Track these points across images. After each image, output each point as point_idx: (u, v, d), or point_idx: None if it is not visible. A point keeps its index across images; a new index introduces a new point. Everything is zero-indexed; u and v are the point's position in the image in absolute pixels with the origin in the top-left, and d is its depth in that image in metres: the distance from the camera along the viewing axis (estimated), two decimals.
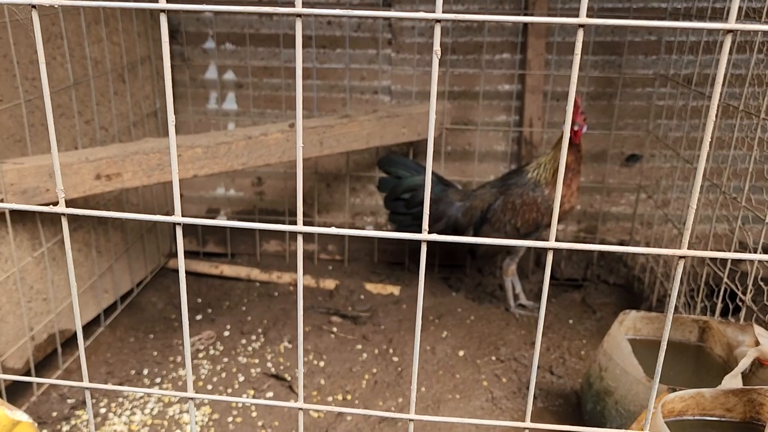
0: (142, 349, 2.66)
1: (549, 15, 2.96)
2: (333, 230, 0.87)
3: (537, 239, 2.72)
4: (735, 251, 2.30)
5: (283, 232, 3.32)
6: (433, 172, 2.82)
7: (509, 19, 0.75)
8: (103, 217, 2.48)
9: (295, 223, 3.35)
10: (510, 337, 2.61)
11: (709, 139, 0.77)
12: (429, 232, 2.66)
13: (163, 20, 0.76)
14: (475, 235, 2.74)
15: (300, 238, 0.88)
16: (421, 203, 2.75)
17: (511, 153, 3.19)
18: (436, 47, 0.74)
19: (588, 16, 2.95)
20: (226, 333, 2.76)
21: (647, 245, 3.00)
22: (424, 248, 0.88)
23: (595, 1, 2.96)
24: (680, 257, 0.82)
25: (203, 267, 3.24)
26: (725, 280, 2.13)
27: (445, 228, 2.75)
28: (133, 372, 2.49)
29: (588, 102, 3.07)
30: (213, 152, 2.36)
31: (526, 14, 2.96)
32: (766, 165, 2.13)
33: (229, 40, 3.21)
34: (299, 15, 0.74)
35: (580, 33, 0.74)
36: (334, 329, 2.71)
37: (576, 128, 2.49)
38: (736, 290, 2.10)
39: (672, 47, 2.85)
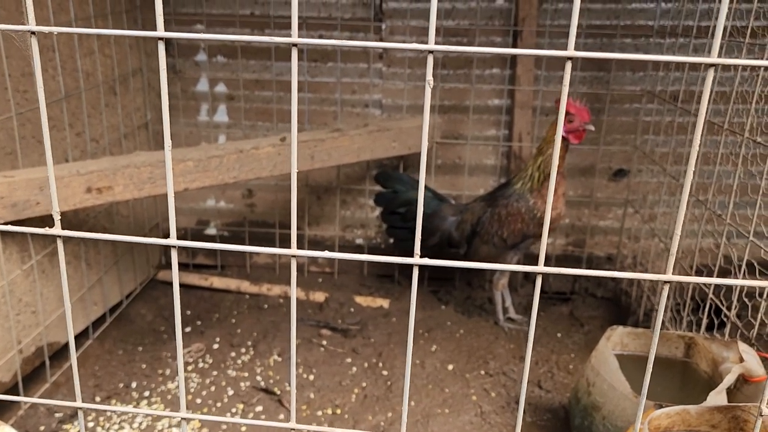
0: (130, 362, 2.65)
1: (538, 31, 3.00)
2: (327, 254, 0.88)
3: (525, 249, 2.74)
4: (720, 267, 2.33)
5: (273, 242, 3.32)
6: (426, 187, 2.85)
7: (501, 51, 0.77)
8: (94, 232, 2.48)
9: (288, 235, 3.39)
10: (499, 350, 2.63)
11: (693, 169, 0.79)
12: (423, 247, 2.72)
13: (161, 48, 0.77)
14: (468, 248, 2.76)
15: (293, 263, 0.90)
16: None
17: (501, 167, 3.21)
18: (429, 77, 0.76)
19: (577, 34, 2.99)
20: (216, 345, 2.75)
21: (634, 259, 3.04)
22: (415, 273, 0.89)
23: (582, 18, 3.00)
24: (665, 282, 0.84)
25: (193, 279, 3.23)
26: (710, 296, 2.16)
27: (440, 242, 2.78)
28: (121, 385, 2.48)
29: None
30: (204, 166, 2.37)
31: (515, 30, 2.99)
32: (750, 181, 2.16)
33: (221, 52, 3.22)
34: (295, 44, 0.76)
35: (568, 66, 0.76)
36: (324, 342, 2.72)
37: (580, 127, 2.48)
38: (721, 306, 2.13)
39: (659, 64, 2.90)
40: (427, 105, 0.80)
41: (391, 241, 3.01)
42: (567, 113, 2.50)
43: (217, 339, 2.80)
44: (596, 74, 3.07)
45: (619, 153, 3.14)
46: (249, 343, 2.77)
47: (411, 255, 2.97)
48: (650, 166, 2.91)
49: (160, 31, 0.77)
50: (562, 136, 2.52)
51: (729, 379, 1.60)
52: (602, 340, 1.98)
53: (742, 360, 1.69)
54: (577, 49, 3.02)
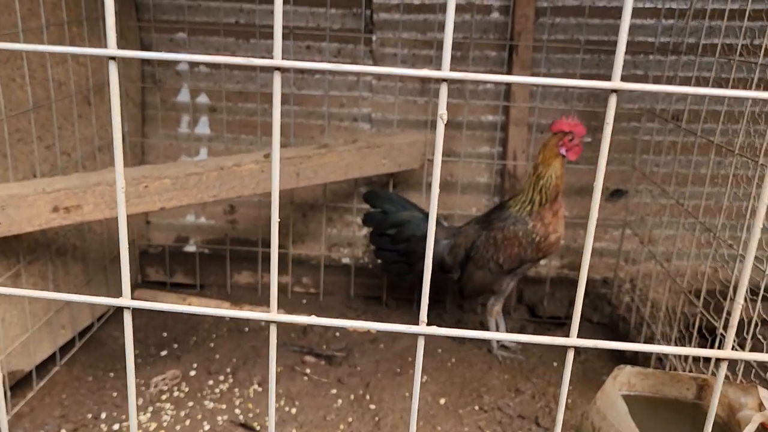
0: (100, 390, 2.48)
1: (534, 46, 2.88)
2: (305, 319, 0.74)
3: (522, 274, 2.61)
4: (719, 290, 2.22)
5: (255, 261, 3.17)
6: (418, 208, 2.70)
7: (520, 80, 0.64)
8: (64, 251, 2.30)
9: (269, 253, 3.22)
10: (493, 382, 2.49)
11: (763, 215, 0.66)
12: (413, 271, 2.50)
13: (113, 70, 0.63)
14: (461, 273, 2.62)
15: (273, 329, 0.76)
16: (407, 239, 2.63)
17: (494, 185, 3.09)
18: (442, 111, 0.63)
19: (575, 50, 2.88)
20: (192, 372, 2.59)
21: (632, 283, 2.92)
22: (421, 343, 0.75)
23: (580, 33, 2.89)
24: (722, 359, 0.70)
25: (170, 299, 3.07)
26: (720, 330, 2.04)
27: (432, 266, 2.64)
28: (89, 416, 2.31)
29: None
30: (182, 183, 2.22)
31: (511, 44, 2.87)
32: (744, 202, 2.05)
33: (203, 62, 3.07)
34: (278, 68, 0.62)
35: (613, 99, 0.63)
36: (307, 371, 2.56)
37: (574, 141, 2.37)
38: (713, 321, 2.01)
39: (660, 82, 2.79)
40: (439, 140, 0.66)
41: (379, 262, 2.86)
42: (565, 132, 2.39)
43: (195, 365, 2.64)
44: (593, 91, 2.96)
45: (616, 173, 3.02)
46: (228, 369, 2.61)
47: (399, 278, 2.80)
48: (649, 186, 2.80)
49: (112, 49, 0.63)
50: (561, 154, 2.40)
51: (750, 429, 1.48)
52: (609, 381, 1.85)
53: (761, 407, 1.56)
54: (574, 64, 2.91)
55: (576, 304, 0.76)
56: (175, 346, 2.84)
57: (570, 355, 0.77)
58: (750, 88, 2.06)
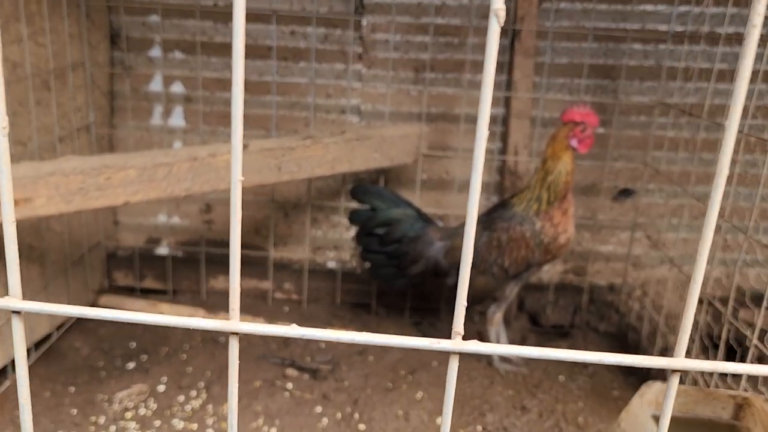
0: (58, 406, 2.22)
1: (538, 33, 2.66)
2: (274, 329, 0.52)
3: (527, 279, 2.37)
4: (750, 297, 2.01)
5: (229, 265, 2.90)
6: (411, 205, 2.46)
7: None
8: (19, 249, 2.03)
9: (250, 258, 2.95)
10: (496, 398, 2.25)
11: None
12: (404, 275, 2.16)
13: None
14: (458, 278, 2.38)
15: (234, 342, 0.52)
16: (398, 240, 2.38)
17: (494, 184, 2.86)
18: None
19: (581, 37, 2.67)
20: (161, 387, 2.34)
21: (642, 288, 2.70)
22: (454, 364, 0.51)
23: (590, 20, 2.68)
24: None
25: (139, 306, 2.80)
26: (754, 341, 1.81)
27: (424, 271, 2.39)
28: None
29: None
30: (150, 175, 1.96)
31: (513, 29, 2.65)
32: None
33: (179, 47, 2.82)
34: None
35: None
36: (289, 385, 2.31)
37: (586, 132, 2.15)
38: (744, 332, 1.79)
39: (675, 73, 2.58)
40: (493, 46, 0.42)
41: (367, 266, 2.60)
42: (577, 123, 2.17)
43: (164, 378, 2.38)
44: (601, 82, 2.75)
45: (624, 170, 2.81)
46: (201, 384, 2.36)
47: (389, 284, 2.47)
48: (663, 185, 2.59)
49: None
50: (572, 147, 2.18)
51: None
52: (635, 399, 1.62)
53: None
54: (581, 53, 2.70)
55: (684, 322, 0.53)
56: (144, 357, 2.58)
57: (674, 381, 0.54)
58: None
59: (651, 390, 1.64)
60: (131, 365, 2.52)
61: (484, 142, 0.55)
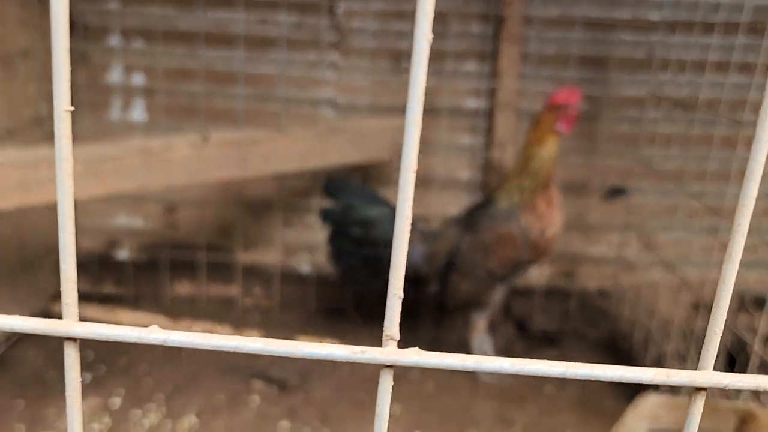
0: (4, 422, 2.05)
1: (524, 21, 2.50)
2: (118, 331, 0.35)
3: (513, 282, 2.20)
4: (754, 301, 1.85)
5: (194, 269, 2.71)
6: (389, 204, 2.27)
7: None
8: None
9: (218, 264, 2.73)
10: (479, 411, 2.07)
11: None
12: (379, 283, 1.90)
13: None
14: (442, 286, 2.19)
15: (71, 350, 0.36)
16: (377, 242, 2.18)
17: (478, 181, 2.69)
18: None
19: (570, 26, 2.52)
20: (117, 400, 2.15)
21: (634, 293, 2.54)
22: (386, 379, 0.35)
23: (575, 8, 2.52)
24: None
25: (96, 313, 2.60)
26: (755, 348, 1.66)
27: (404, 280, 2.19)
28: None
29: None
30: (95, 169, 1.77)
31: (498, 15, 2.49)
32: None
33: (139, 36, 2.63)
34: None
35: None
36: (255, 399, 2.12)
37: (569, 111, 2.00)
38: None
39: (667, 64, 2.43)
40: None
41: (339, 269, 2.36)
42: (560, 106, 2.01)
43: (121, 392, 2.19)
44: (591, 74, 2.59)
45: (616, 168, 2.65)
46: (161, 397, 2.17)
47: (364, 291, 2.22)
48: (656, 183, 2.44)
49: None
50: (558, 131, 2.02)
51: None
52: (629, 413, 1.46)
53: None
54: (568, 44, 2.54)
55: (711, 327, 0.36)
56: (102, 368, 2.39)
57: (699, 403, 0.36)
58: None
59: (647, 403, 1.48)
60: (87, 377, 2.33)
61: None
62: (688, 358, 2.06)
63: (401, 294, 0.44)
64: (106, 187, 1.79)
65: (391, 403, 1.82)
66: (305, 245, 2.83)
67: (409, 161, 0.42)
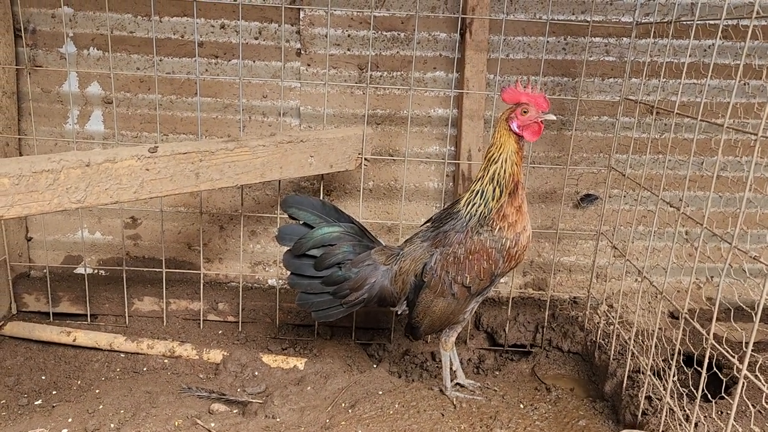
0: None
1: (491, 24, 2.43)
2: None
3: (486, 295, 2.09)
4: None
5: (160, 284, 2.60)
6: (352, 222, 2.10)
7: None
8: None
9: (180, 276, 2.47)
10: None
11: None
12: (345, 305, 1.79)
13: None
14: (411, 305, 2.06)
15: None
16: (337, 264, 2.03)
17: (446, 191, 2.61)
18: None
19: (536, 30, 2.44)
20: (65, 430, 2.02)
21: (608, 302, 2.47)
22: None
23: (543, 11, 2.45)
24: None
25: (51, 333, 2.48)
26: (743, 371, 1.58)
27: (367, 298, 2.06)
28: None
29: None
30: (29, 184, 1.67)
31: (463, 19, 2.41)
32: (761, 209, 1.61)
33: (95, 43, 2.53)
34: None
35: None
36: (212, 424, 2.01)
37: (537, 118, 1.89)
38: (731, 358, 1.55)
39: (639, 69, 2.35)
40: None
41: (298, 294, 2.11)
42: (519, 104, 1.90)
43: (69, 419, 2.07)
44: (560, 80, 2.52)
45: (587, 175, 2.58)
46: (112, 425, 2.05)
47: (324, 315, 2.07)
48: (629, 189, 2.36)
49: None
50: (516, 134, 1.92)
51: None
52: None
53: None
54: (537, 49, 2.47)
55: None
56: (54, 392, 2.29)
57: None
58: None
59: None
60: (38, 402, 2.23)
61: None
62: (668, 375, 1.98)
63: None
64: (42, 203, 1.69)
65: (352, 425, 1.70)
66: (272, 257, 2.74)
67: None
